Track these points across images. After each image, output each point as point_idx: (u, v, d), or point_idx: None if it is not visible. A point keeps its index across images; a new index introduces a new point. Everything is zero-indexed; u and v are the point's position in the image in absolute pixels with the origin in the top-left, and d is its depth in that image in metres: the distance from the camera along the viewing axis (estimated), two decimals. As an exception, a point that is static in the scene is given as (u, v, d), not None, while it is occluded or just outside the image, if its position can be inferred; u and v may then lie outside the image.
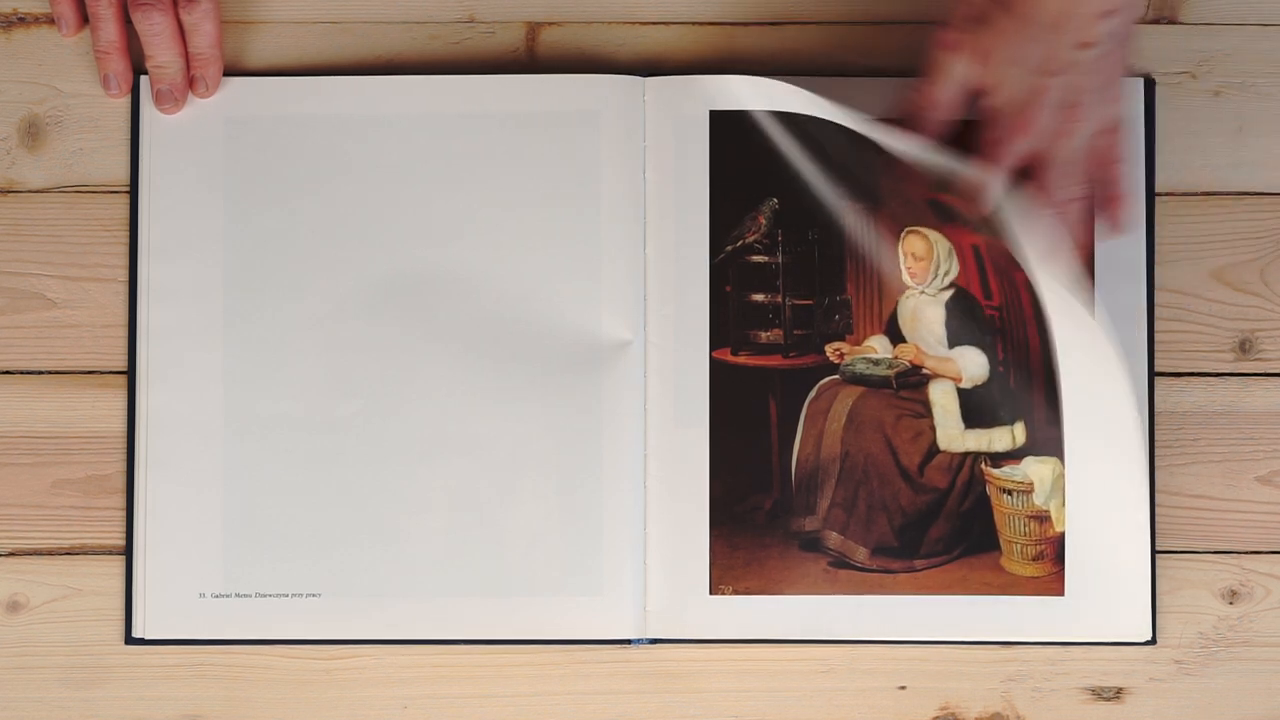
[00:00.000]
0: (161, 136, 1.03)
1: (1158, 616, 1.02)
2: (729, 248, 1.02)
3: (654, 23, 1.05)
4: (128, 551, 1.01)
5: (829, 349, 1.02)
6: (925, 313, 1.01)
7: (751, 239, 1.02)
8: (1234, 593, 1.03)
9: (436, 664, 1.02)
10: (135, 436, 1.02)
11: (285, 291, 1.02)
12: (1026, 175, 0.97)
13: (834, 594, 1.01)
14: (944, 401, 1.01)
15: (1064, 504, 1.00)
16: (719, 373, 1.02)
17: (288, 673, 1.02)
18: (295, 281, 1.02)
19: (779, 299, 1.02)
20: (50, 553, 1.02)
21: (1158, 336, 1.03)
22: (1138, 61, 1.04)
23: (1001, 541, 1.00)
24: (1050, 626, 1.01)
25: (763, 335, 1.02)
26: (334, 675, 1.02)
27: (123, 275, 1.03)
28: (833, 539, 1.01)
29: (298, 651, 1.02)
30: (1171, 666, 1.03)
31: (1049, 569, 1.00)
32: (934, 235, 1.01)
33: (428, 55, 1.04)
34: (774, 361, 1.02)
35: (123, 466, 1.02)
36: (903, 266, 1.01)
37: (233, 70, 1.03)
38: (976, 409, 1.01)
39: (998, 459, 1.01)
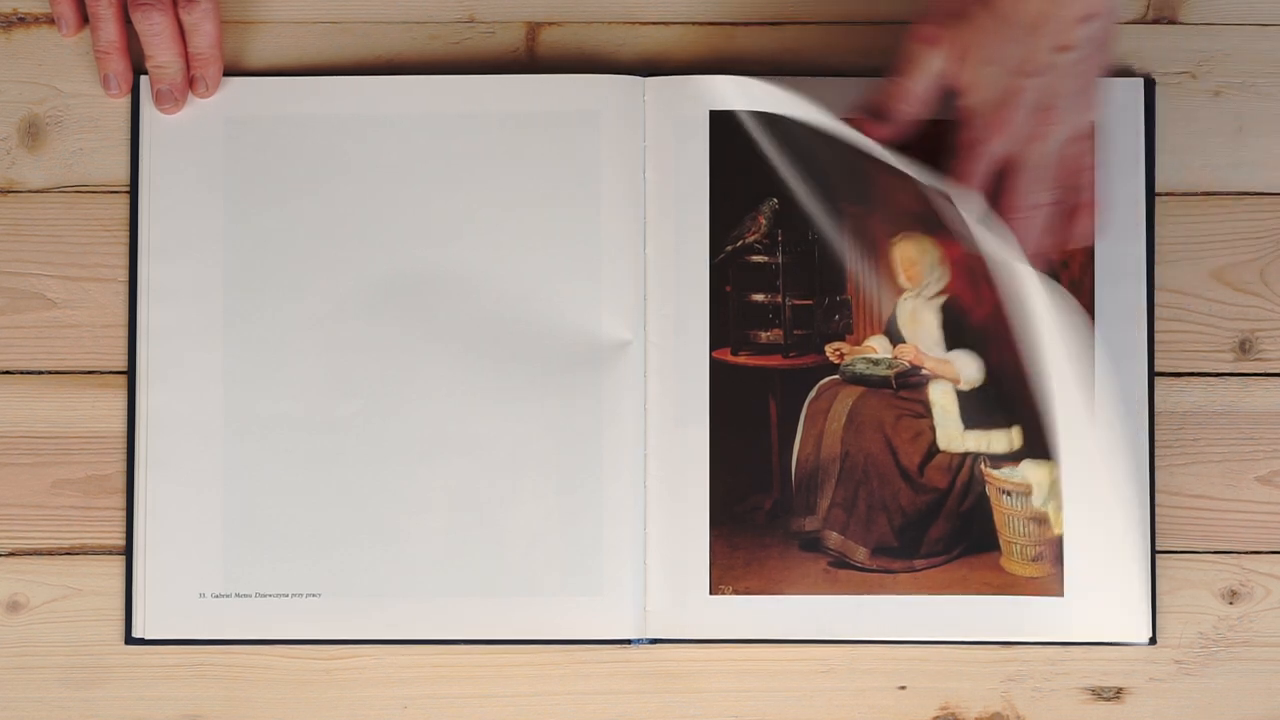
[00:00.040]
0: (161, 136, 1.03)
1: (1158, 616, 1.02)
2: (729, 248, 1.02)
3: (654, 23, 1.05)
4: (128, 551, 1.01)
5: (829, 349, 1.02)
6: (922, 315, 1.01)
7: (751, 239, 1.02)
8: (1234, 593, 1.03)
9: (436, 664, 1.02)
10: (135, 436, 1.02)
11: (285, 291, 1.02)
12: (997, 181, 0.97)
13: (834, 594, 1.01)
14: (943, 402, 1.01)
15: (1061, 507, 1.00)
16: (719, 373, 1.02)
17: (288, 673, 1.02)
18: (295, 281, 1.02)
19: (779, 299, 1.02)
20: (50, 553, 1.02)
21: (1158, 336, 1.03)
22: (1137, 61, 1.04)
23: (1001, 541, 1.00)
24: (1050, 627, 1.01)
25: (763, 335, 1.02)
26: (334, 675, 1.02)
27: (123, 275, 1.03)
28: (833, 539, 1.01)
29: (298, 651, 1.02)
30: (1171, 666, 1.03)
31: (1048, 570, 1.00)
32: (924, 243, 1.01)
33: (428, 55, 1.04)
34: (774, 361, 1.02)
35: (123, 466, 1.02)
36: (899, 270, 1.01)
37: (233, 70, 1.03)
38: (975, 410, 1.01)
39: (997, 460, 1.01)
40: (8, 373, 1.03)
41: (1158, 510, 1.02)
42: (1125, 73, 1.04)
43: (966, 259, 1.00)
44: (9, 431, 1.02)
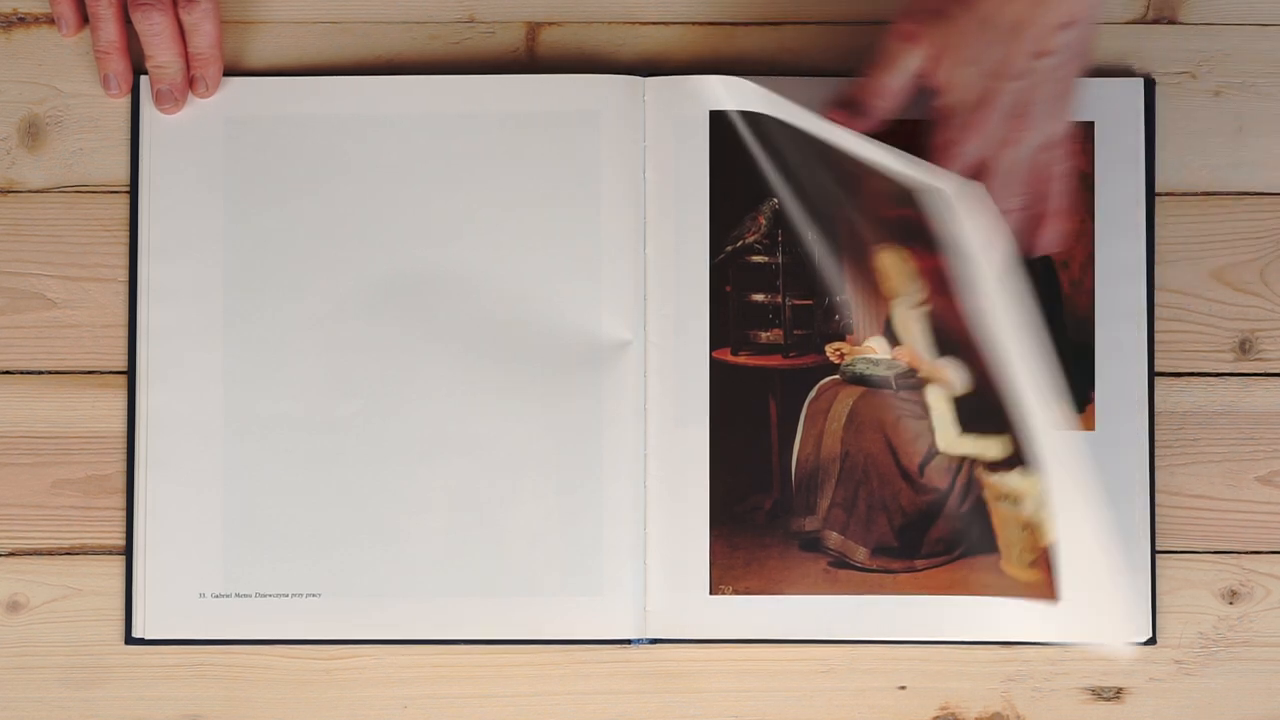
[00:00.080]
0: (161, 136, 1.03)
1: (1158, 616, 1.02)
2: (729, 248, 1.02)
3: (654, 23, 1.05)
4: (128, 551, 1.01)
5: (829, 349, 1.02)
6: (910, 323, 1.01)
7: (751, 239, 1.02)
8: (1234, 593, 1.03)
9: (436, 664, 1.02)
10: (135, 436, 1.02)
11: (285, 291, 1.02)
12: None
13: (834, 594, 1.01)
14: (940, 406, 1.01)
15: (1051, 517, 0.99)
16: (719, 373, 1.02)
17: (288, 673, 1.02)
18: (295, 281, 1.02)
19: (779, 299, 1.02)
20: (50, 553, 1.02)
21: (1158, 336, 1.03)
22: (1137, 61, 1.04)
23: (1000, 545, 1.00)
24: (1050, 628, 1.01)
25: (763, 335, 1.02)
26: (334, 675, 1.02)
27: (123, 275, 1.03)
28: (833, 539, 1.01)
29: (298, 651, 1.02)
30: (1171, 666, 1.03)
31: (1044, 575, 1.00)
32: (901, 254, 1.00)
33: (428, 55, 1.04)
34: (774, 361, 1.02)
35: (123, 466, 1.02)
36: (880, 280, 1.01)
37: (233, 70, 1.03)
38: (970, 415, 1.01)
39: (994, 465, 1.00)
40: (8, 373, 1.03)
41: (1158, 510, 1.02)
42: (1125, 73, 1.04)
43: (940, 270, 1.00)
44: (9, 431, 1.02)
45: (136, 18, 1.01)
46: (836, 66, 1.03)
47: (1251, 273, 1.04)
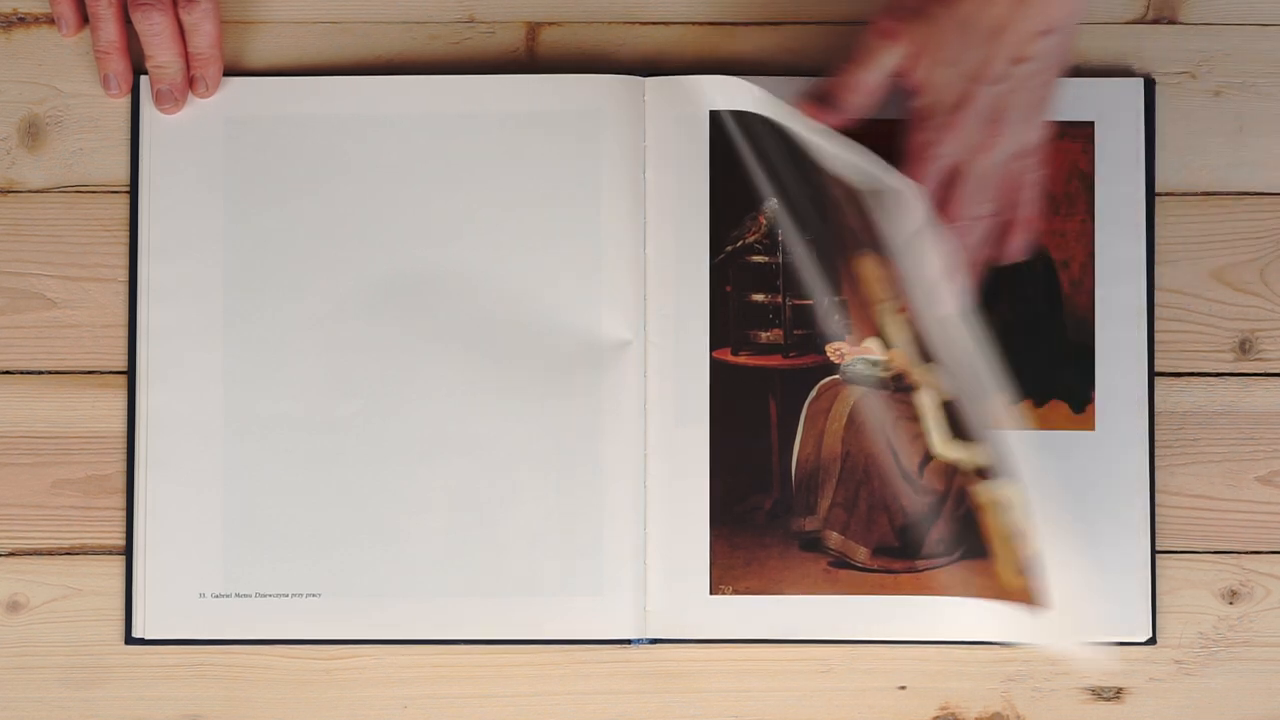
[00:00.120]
0: (161, 136, 1.03)
1: (1158, 616, 1.02)
2: (729, 248, 1.02)
3: (654, 23, 1.05)
4: (128, 551, 1.01)
5: (830, 349, 1.02)
6: (896, 327, 1.01)
7: (751, 239, 1.02)
8: (1234, 593, 1.03)
9: (436, 664, 1.02)
10: (135, 436, 1.02)
11: (285, 291, 1.02)
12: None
13: (834, 594, 1.01)
14: (929, 411, 1.01)
15: (1034, 526, 0.98)
16: (719, 373, 1.02)
17: (288, 673, 1.02)
18: (295, 281, 1.02)
19: (779, 299, 1.02)
20: (50, 553, 1.02)
21: (1158, 336, 1.03)
22: (1137, 61, 1.04)
23: (991, 550, 1.00)
24: (1049, 629, 1.00)
25: (763, 335, 1.02)
26: (334, 675, 1.02)
27: (123, 275, 1.03)
28: (833, 539, 1.01)
29: (298, 651, 1.02)
30: (1171, 666, 1.03)
31: (1033, 583, 0.99)
32: (878, 259, 1.00)
33: (428, 55, 1.04)
34: (774, 361, 1.02)
35: (123, 466, 1.02)
36: (862, 284, 1.01)
37: (233, 70, 1.03)
38: (958, 421, 1.00)
39: (979, 471, 1.00)
40: (8, 373, 1.03)
41: (1158, 510, 1.02)
42: (1125, 73, 1.04)
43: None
44: (9, 431, 1.02)
45: (136, 18, 1.01)
46: (837, 66, 1.03)
47: (1251, 273, 1.04)
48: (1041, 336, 1.02)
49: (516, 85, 1.03)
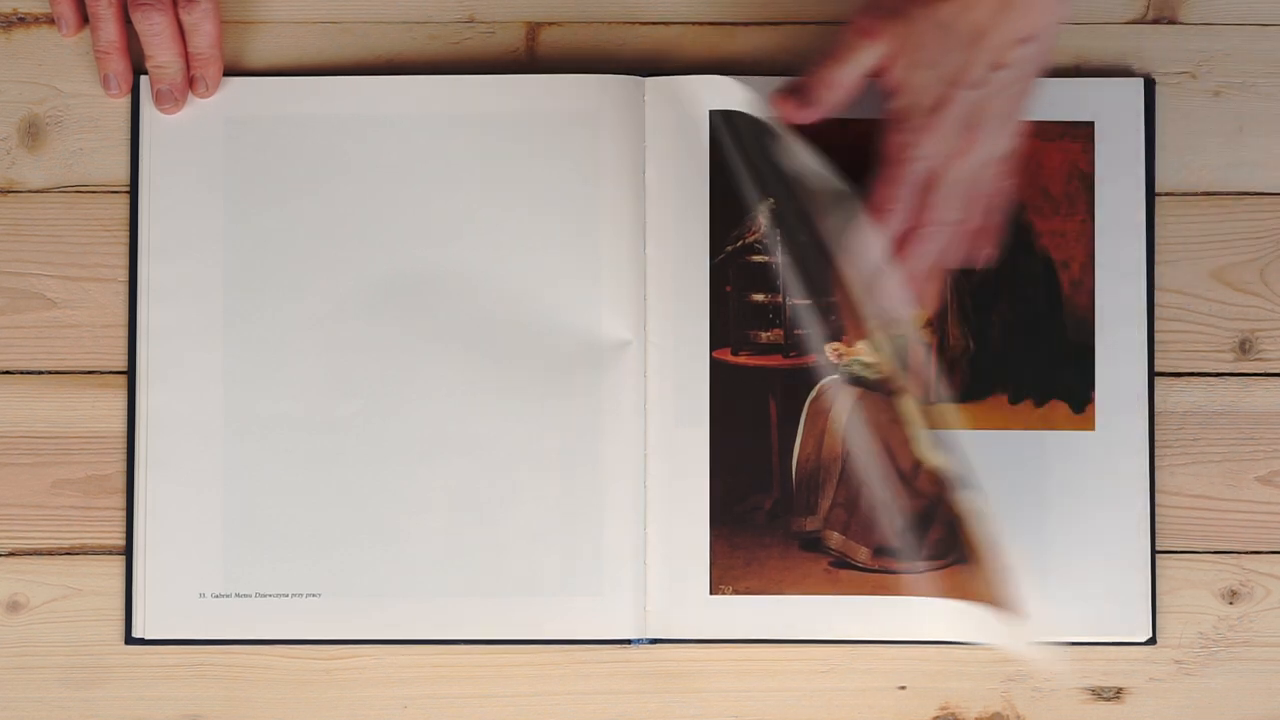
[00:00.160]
0: (161, 136, 1.03)
1: (1158, 616, 1.02)
2: (729, 248, 1.02)
3: (654, 23, 1.05)
4: (128, 551, 1.01)
5: (829, 349, 1.02)
6: (879, 332, 1.01)
7: (751, 239, 1.02)
8: (1234, 593, 1.03)
9: (436, 664, 1.02)
10: (135, 436, 1.02)
11: (285, 291, 1.02)
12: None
13: (834, 594, 1.01)
14: (911, 416, 1.00)
15: (999, 534, 0.97)
16: (719, 373, 1.02)
17: (288, 673, 1.02)
18: (295, 281, 1.02)
19: (779, 299, 1.02)
20: (50, 553, 1.02)
21: (1158, 336, 1.03)
22: (1137, 62, 1.04)
23: (974, 557, 0.99)
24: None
25: (763, 335, 1.02)
26: (334, 675, 1.02)
27: (123, 275, 1.03)
28: (834, 539, 1.01)
29: (298, 651, 1.02)
30: (1171, 666, 1.03)
31: (1008, 591, 0.98)
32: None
33: (428, 55, 1.04)
34: (774, 361, 1.02)
35: (123, 466, 1.02)
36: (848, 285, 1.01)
37: (233, 70, 1.03)
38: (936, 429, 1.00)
39: (957, 479, 1.00)
40: (8, 373, 1.03)
41: (1158, 510, 1.02)
42: (1125, 73, 1.04)
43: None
44: (9, 431, 1.02)
45: (136, 18, 1.01)
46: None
47: (1251, 273, 1.04)
48: (1041, 336, 1.02)
49: (516, 85, 1.03)
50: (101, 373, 1.03)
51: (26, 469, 1.02)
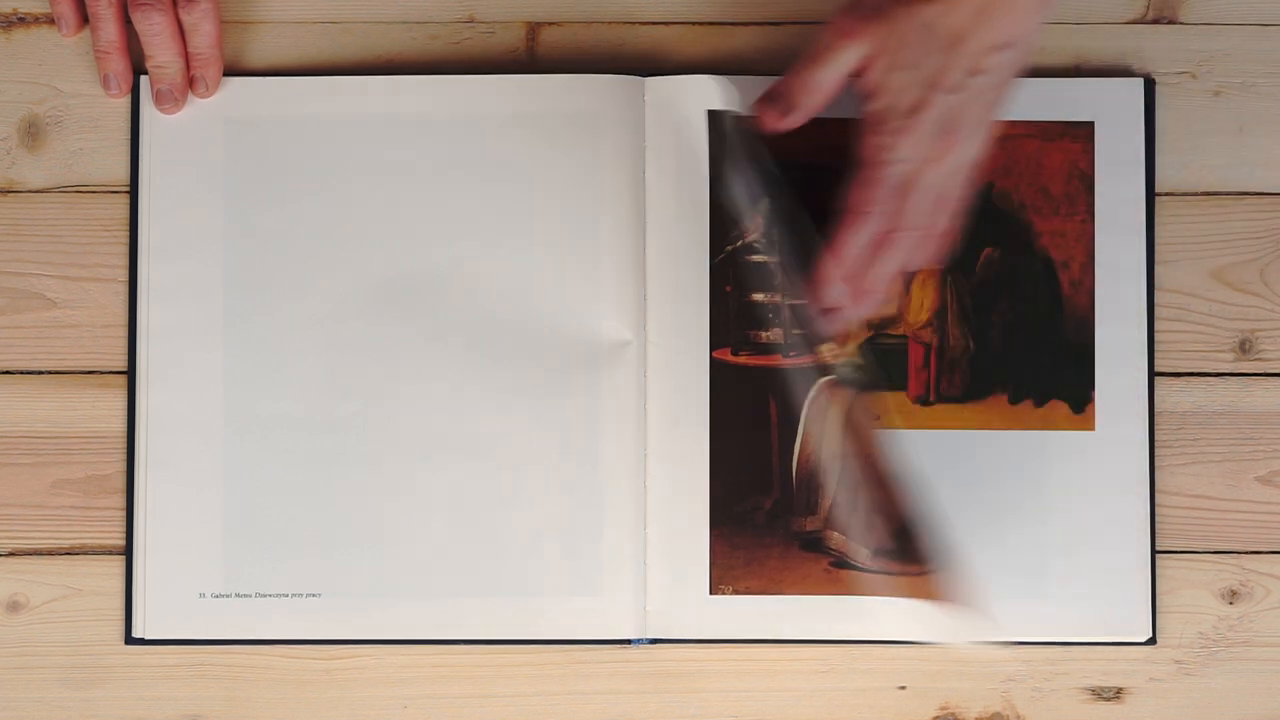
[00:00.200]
0: (161, 136, 1.03)
1: (1158, 616, 1.02)
2: (729, 248, 1.02)
3: (654, 23, 1.05)
4: (128, 551, 1.01)
5: (824, 350, 1.02)
6: (860, 336, 1.01)
7: (751, 239, 1.02)
8: (1234, 593, 1.03)
9: (436, 664, 1.02)
10: (135, 436, 1.02)
11: (285, 291, 1.02)
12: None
13: (834, 594, 1.01)
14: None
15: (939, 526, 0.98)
16: (719, 373, 1.02)
17: (288, 673, 1.02)
18: (295, 281, 1.02)
19: (779, 299, 1.02)
20: (50, 553, 1.02)
21: (1158, 336, 1.03)
22: (1137, 62, 1.04)
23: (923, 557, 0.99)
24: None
25: (763, 335, 1.02)
26: (334, 675, 1.02)
27: (123, 275, 1.03)
28: (834, 539, 1.01)
29: (298, 651, 1.02)
30: (1171, 666, 1.03)
31: (946, 583, 0.98)
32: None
33: (428, 55, 1.04)
34: (774, 361, 1.02)
35: (123, 466, 1.02)
36: None
37: (233, 70, 1.03)
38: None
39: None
40: (8, 373, 1.03)
41: (1158, 510, 1.02)
42: (1125, 73, 1.04)
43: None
44: (9, 431, 1.02)
45: (136, 18, 1.01)
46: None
47: (1251, 273, 1.04)
48: (1041, 336, 1.02)
49: (516, 85, 1.03)
50: (101, 373, 1.03)
51: (26, 469, 1.02)
